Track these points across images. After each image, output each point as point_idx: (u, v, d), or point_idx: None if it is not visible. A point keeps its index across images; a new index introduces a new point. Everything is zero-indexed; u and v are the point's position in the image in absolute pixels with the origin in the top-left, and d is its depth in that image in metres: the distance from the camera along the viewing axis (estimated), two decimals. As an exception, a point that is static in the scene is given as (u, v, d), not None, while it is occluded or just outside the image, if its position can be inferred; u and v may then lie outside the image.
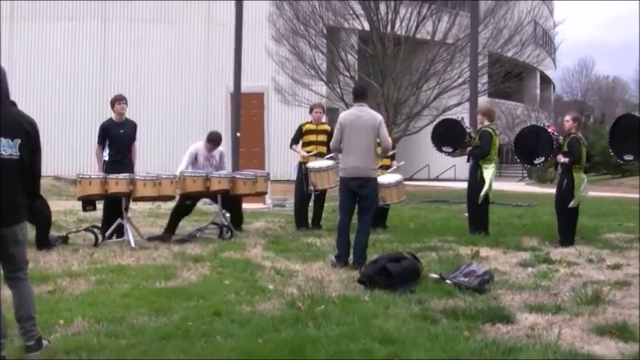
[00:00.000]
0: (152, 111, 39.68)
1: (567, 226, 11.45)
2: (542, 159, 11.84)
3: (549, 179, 37.18)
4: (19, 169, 5.02)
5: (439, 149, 12.88)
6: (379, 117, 9.55)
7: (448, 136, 12.74)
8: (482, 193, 12.01)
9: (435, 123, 13.18)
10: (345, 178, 9.45)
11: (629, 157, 11.16)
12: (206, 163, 12.44)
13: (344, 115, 9.64)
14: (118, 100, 11.93)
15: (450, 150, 12.69)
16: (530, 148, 11.96)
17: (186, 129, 37.60)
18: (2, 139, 4.93)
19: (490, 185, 12.18)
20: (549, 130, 11.93)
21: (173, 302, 6.84)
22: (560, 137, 11.67)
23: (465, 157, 12.74)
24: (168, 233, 11.84)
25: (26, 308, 5.18)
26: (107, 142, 11.73)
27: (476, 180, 12.14)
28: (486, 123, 12.39)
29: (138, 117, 39.02)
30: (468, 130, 12.52)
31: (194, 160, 12.44)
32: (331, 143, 9.87)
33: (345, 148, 9.37)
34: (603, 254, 10.39)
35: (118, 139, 11.70)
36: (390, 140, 9.80)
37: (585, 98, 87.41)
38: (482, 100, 14.03)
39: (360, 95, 9.81)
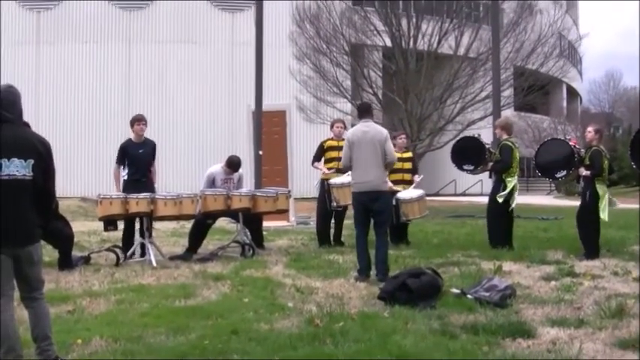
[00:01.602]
0: (177, 131, 39.97)
1: (591, 238, 11.31)
2: (564, 172, 11.73)
3: (577, 192, 36.86)
4: (32, 190, 5.04)
5: (460, 168, 12.87)
6: (385, 132, 9.67)
7: (467, 154, 12.72)
8: (501, 198, 11.90)
9: (452, 142, 13.13)
10: (356, 193, 9.52)
11: None
12: (224, 186, 12.44)
13: (351, 132, 9.77)
14: (138, 121, 11.96)
15: (472, 168, 12.66)
16: (551, 162, 11.86)
17: (211, 148, 37.75)
18: (15, 159, 4.96)
19: (513, 197, 12.08)
20: (570, 142, 11.83)
21: (191, 321, 6.81)
22: (582, 150, 11.57)
23: (487, 173, 12.68)
24: (190, 252, 11.83)
25: (42, 328, 5.19)
26: (126, 162, 11.78)
27: (497, 193, 12.05)
28: (505, 137, 12.29)
29: (163, 137, 39.35)
30: (487, 146, 12.47)
31: (211, 184, 12.46)
32: (341, 161, 9.93)
33: (354, 164, 9.46)
34: (629, 266, 10.21)
35: (137, 159, 11.76)
36: (394, 155, 9.80)
37: (613, 110, 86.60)
38: (504, 115, 14.02)
39: (365, 111, 9.95)
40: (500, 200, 11.94)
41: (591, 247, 11.24)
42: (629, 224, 17.31)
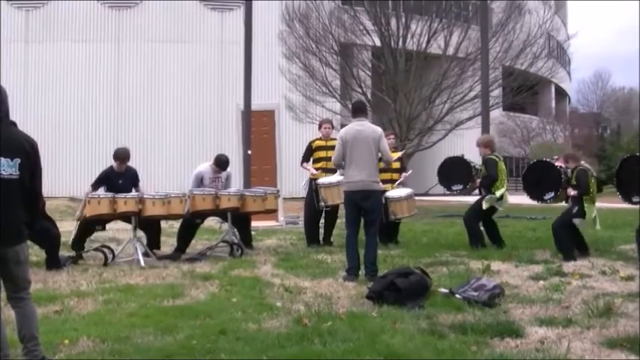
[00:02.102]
0: (166, 130, 39.94)
1: (565, 241, 11.30)
2: (552, 194, 11.81)
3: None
4: (19, 189, 5.01)
5: (449, 189, 13.05)
6: (379, 130, 9.64)
7: (455, 174, 12.86)
8: (487, 204, 12.00)
9: (438, 166, 13.22)
10: (348, 191, 9.48)
11: (637, 199, 11.10)
12: (212, 185, 12.42)
13: (345, 130, 9.68)
14: (117, 159, 11.88)
15: (460, 187, 12.81)
16: (539, 184, 11.95)
17: (200, 148, 37.68)
18: (2, 158, 4.92)
19: (501, 202, 12.19)
20: (557, 163, 11.93)
21: (179, 321, 6.79)
22: (568, 170, 11.63)
23: (477, 190, 12.77)
24: (179, 252, 11.81)
25: (29, 328, 5.15)
26: (105, 188, 11.72)
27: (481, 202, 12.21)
28: (489, 153, 12.46)
29: (151, 136, 39.37)
30: (472, 164, 12.60)
31: (200, 183, 12.44)
32: (333, 158, 9.90)
33: (347, 163, 9.42)
34: (617, 266, 10.24)
35: (115, 189, 11.51)
36: (390, 153, 9.82)
37: (601, 110, 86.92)
38: (484, 134, 14.10)
39: (360, 110, 9.90)
40: (485, 207, 12.03)
41: (567, 250, 11.20)
42: (616, 224, 17.37)
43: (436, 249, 12.30)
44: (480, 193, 12.55)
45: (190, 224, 12.05)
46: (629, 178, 10.95)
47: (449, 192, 13.24)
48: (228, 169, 12.80)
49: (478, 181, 12.44)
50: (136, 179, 12.09)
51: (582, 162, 11.73)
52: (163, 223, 13.16)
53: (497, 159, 12.36)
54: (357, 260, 9.32)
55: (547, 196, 11.93)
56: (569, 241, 11.34)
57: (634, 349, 5.73)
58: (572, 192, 11.29)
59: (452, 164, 13.08)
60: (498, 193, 12.14)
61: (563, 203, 11.94)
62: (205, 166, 12.70)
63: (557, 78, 49.89)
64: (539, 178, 12.01)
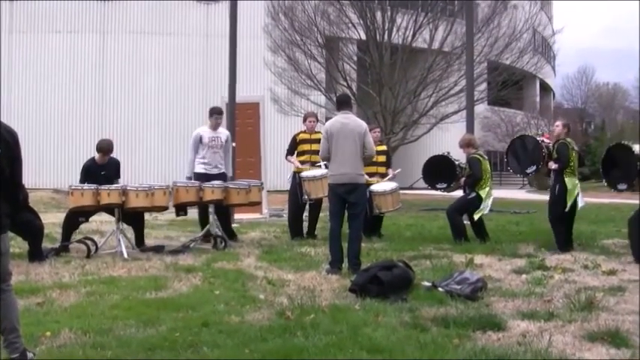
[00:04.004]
0: (150, 122, 39.83)
1: (563, 232, 11.40)
2: (534, 167, 11.89)
3: (549, 186, 37.09)
4: (-1, 180, 4.96)
5: (433, 188, 13.11)
6: (364, 124, 9.67)
7: (439, 172, 12.94)
8: (477, 214, 12.16)
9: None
10: (333, 184, 9.49)
11: (622, 187, 11.17)
12: (212, 143, 12.59)
13: (330, 124, 9.67)
14: (101, 151, 11.79)
15: (444, 185, 12.88)
16: (521, 158, 12.01)
17: (184, 140, 37.32)
18: (-19, 149, 4.88)
19: (488, 203, 12.28)
20: (541, 138, 11.97)
21: (162, 313, 6.77)
22: (550, 144, 11.67)
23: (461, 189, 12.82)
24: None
25: (10, 320, 5.11)
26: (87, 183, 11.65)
27: (472, 204, 12.28)
28: (473, 151, 12.51)
29: (135, 128, 39.22)
30: (456, 163, 12.66)
31: (199, 144, 12.58)
32: (320, 152, 9.87)
33: (332, 156, 9.42)
34: (599, 260, 10.31)
35: (97, 181, 11.34)
36: (374, 147, 9.83)
37: (586, 105, 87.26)
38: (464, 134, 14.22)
39: (345, 103, 9.93)
40: (476, 217, 12.13)
41: (563, 241, 11.32)
42: (599, 219, 17.49)
43: (420, 242, 12.36)
44: (464, 192, 12.61)
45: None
46: (615, 166, 11.05)
47: (433, 190, 13.27)
48: (227, 132, 12.89)
49: (462, 180, 12.50)
50: (118, 170, 12.02)
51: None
52: (148, 215, 13.19)
53: (481, 158, 12.46)
54: (341, 253, 9.34)
55: (529, 170, 12.03)
56: (565, 233, 11.41)
57: (614, 343, 5.77)
58: (553, 165, 11.34)
59: (436, 163, 13.14)
60: (483, 193, 12.20)
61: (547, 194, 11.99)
62: (203, 127, 12.88)
63: (542, 73, 50.04)
64: (520, 152, 12.09)
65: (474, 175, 12.28)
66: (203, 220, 12.58)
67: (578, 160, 11.52)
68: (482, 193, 12.23)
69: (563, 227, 11.43)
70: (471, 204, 12.22)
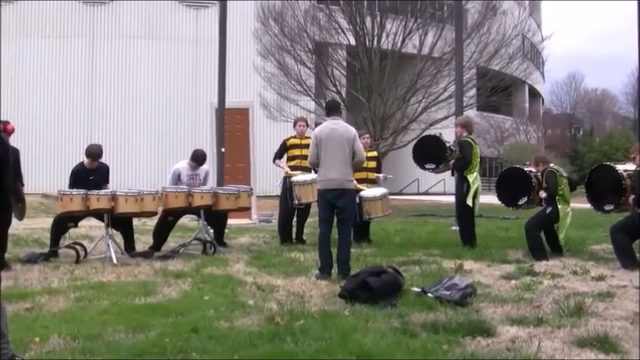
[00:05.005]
0: (139, 127, 39.78)
1: (536, 241, 11.37)
2: (525, 198, 11.90)
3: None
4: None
5: (422, 167, 13.07)
6: (353, 130, 9.66)
7: (429, 153, 12.90)
8: (470, 200, 12.11)
9: (414, 143, 13.31)
10: (322, 190, 9.49)
11: (609, 208, 11.24)
12: (190, 182, 12.38)
13: (319, 129, 9.68)
14: (92, 157, 11.73)
15: (433, 166, 12.86)
16: (511, 190, 12.06)
17: (173, 145, 37.62)
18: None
19: (477, 195, 12.25)
20: (528, 169, 12.06)
21: (151, 319, 6.74)
22: (539, 174, 11.73)
23: (450, 171, 12.82)
24: (153, 250, 11.76)
25: (-2, 326, 5.09)
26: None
27: (463, 192, 12.23)
28: (465, 134, 12.48)
29: (125, 133, 39.15)
30: (447, 145, 12.63)
31: (177, 180, 12.39)
32: (309, 158, 9.86)
33: (321, 161, 9.44)
34: (588, 266, 10.34)
35: (86, 186, 11.29)
36: (364, 153, 9.84)
37: (574, 111, 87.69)
38: (465, 114, 14.16)
39: (334, 109, 9.93)
40: (470, 203, 12.11)
41: (537, 250, 11.26)
42: (588, 224, 17.52)
43: (409, 248, 12.36)
44: (452, 175, 12.63)
45: (166, 222, 12.05)
46: (599, 188, 11.13)
47: (421, 169, 13.21)
48: (206, 166, 12.78)
49: (451, 162, 12.50)
50: (107, 175, 11.97)
51: (551, 164, 11.83)
52: (137, 221, 13.18)
53: (472, 142, 12.42)
54: (330, 259, 9.33)
55: (521, 202, 12.02)
56: (540, 241, 11.42)
57: (603, 348, 5.78)
58: (543, 194, 11.39)
59: (427, 143, 13.12)
60: (470, 177, 12.20)
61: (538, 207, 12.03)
62: (182, 164, 12.66)
63: (531, 79, 50.27)
64: (510, 184, 12.13)
65: (463, 159, 12.27)
66: (160, 234, 12.32)
67: (569, 185, 11.64)
68: (470, 178, 12.23)
69: (538, 235, 11.42)
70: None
